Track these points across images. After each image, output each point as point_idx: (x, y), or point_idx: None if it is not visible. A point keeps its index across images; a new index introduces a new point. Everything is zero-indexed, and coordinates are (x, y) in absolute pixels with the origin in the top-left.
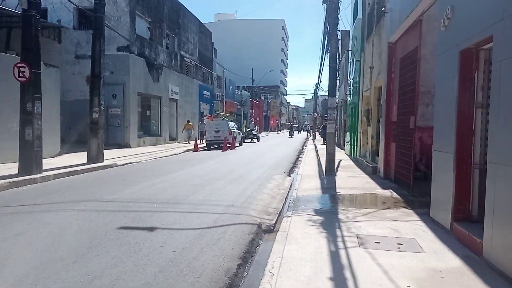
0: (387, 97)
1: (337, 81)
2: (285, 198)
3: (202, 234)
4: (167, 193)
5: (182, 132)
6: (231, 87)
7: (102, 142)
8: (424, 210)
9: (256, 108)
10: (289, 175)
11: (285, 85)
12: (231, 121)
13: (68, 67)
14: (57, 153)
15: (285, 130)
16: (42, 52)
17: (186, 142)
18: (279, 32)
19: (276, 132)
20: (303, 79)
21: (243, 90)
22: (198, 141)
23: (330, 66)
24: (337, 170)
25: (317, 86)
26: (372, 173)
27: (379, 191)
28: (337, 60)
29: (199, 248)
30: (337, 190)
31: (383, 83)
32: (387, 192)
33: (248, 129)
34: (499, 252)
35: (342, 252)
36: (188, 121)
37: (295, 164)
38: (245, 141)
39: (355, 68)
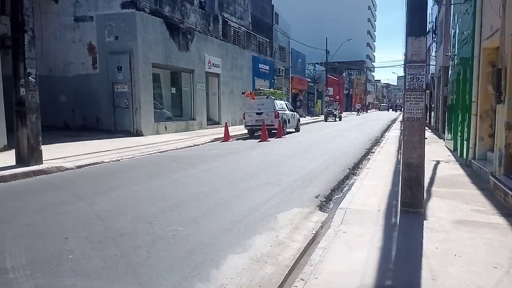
0: None
1: (431, 36)
2: None
3: None
4: None
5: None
6: (299, 60)
7: (36, 133)
8: None
9: (335, 86)
10: (322, 207)
11: (372, 60)
12: (281, 99)
13: (68, 32)
14: (1, 147)
15: (373, 110)
16: (37, 14)
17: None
18: (366, 0)
19: (363, 112)
20: (393, 54)
21: (316, 65)
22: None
23: None
24: (429, 196)
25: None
26: None
27: None
28: None
29: None
30: None
31: None
32: None
33: (329, 109)
34: None
35: None
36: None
37: (353, 171)
38: (328, 120)
39: (462, 15)
